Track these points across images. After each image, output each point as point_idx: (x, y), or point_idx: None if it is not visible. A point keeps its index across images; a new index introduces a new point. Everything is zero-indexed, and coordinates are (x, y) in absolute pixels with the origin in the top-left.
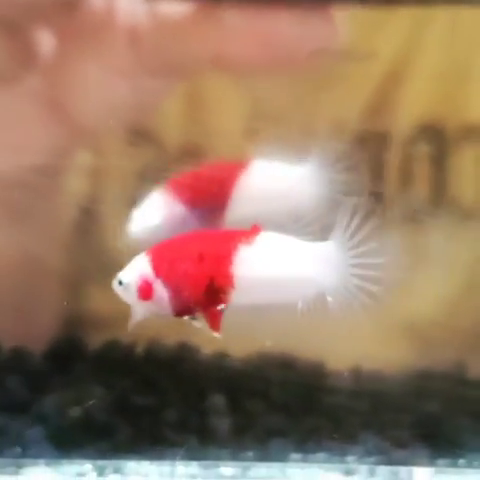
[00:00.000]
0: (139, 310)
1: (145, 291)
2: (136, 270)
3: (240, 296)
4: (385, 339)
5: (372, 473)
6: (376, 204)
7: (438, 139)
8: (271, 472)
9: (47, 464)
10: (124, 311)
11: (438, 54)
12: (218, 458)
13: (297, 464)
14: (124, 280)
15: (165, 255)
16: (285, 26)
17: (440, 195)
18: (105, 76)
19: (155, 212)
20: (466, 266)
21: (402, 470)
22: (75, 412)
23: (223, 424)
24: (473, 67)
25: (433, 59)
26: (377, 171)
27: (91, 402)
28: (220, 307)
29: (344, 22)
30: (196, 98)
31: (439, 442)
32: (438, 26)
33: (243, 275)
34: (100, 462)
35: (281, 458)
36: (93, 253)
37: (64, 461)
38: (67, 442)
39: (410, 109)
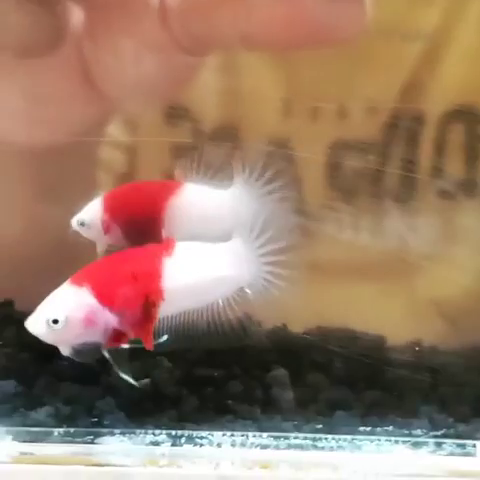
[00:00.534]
0: None
1: (90, 320)
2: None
3: (168, 307)
4: (445, 313)
5: (438, 446)
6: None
7: (473, 119)
8: (340, 443)
9: (122, 433)
10: None
11: (477, 34)
12: (285, 430)
13: (365, 436)
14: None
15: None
16: (313, 4)
17: (474, 175)
18: (137, 50)
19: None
20: None
21: (468, 443)
22: (144, 383)
23: (287, 397)
24: None
25: (472, 39)
26: (412, 151)
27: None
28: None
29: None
30: (233, 76)
31: None
32: (477, 5)
33: (171, 287)
34: (174, 432)
35: (347, 431)
36: None
37: (139, 431)
38: (138, 412)
39: (446, 89)
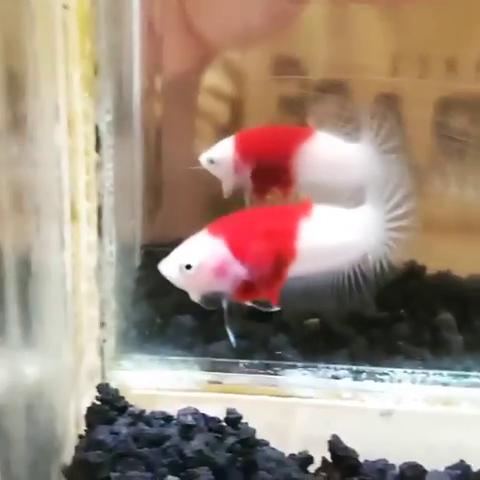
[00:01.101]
0: None
1: (221, 270)
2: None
3: (298, 267)
4: None
5: None
6: None
7: None
8: None
9: (304, 367)
10: None
11: None
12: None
13: None
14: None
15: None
16: None
17: None
18: None
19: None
20: None
21: None
22: (312, 323)
23: (455, 340)
24: None
25: None
26: None
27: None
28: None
29: None
30: (342, 31)
31: None
32: None
33: (304, 248)
34: (355, 367)
35: None
36: None
37: (321, 365)
38: (309, 349)
39: None
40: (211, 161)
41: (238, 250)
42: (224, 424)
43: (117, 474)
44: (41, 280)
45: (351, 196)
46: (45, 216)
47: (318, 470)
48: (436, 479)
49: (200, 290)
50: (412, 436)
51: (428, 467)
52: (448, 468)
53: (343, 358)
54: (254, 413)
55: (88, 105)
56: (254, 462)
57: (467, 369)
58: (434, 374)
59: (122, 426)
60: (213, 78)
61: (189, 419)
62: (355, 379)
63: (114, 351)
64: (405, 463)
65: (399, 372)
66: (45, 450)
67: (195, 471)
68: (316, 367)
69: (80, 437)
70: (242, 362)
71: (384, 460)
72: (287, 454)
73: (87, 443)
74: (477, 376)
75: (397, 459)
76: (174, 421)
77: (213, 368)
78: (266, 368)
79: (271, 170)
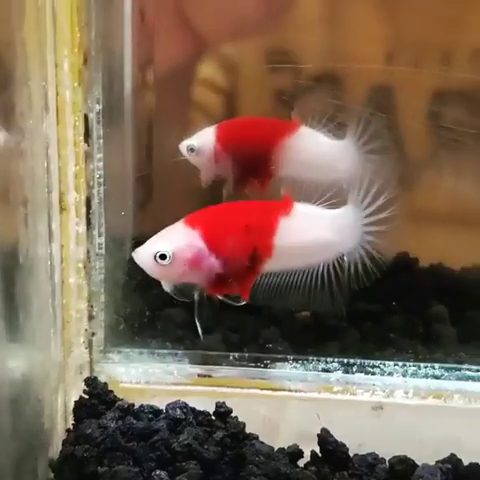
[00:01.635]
0: None
1: (196, 262)
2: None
3: (273, 264)
4: None
5: None
6: None
7: None
8: None
9: (295, 360)
10: None
11: None
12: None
13: None
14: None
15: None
16: None
17: None
18: None
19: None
20: None
21: None
22: (303, 316)
23: (448, 332)
24: None
25: None
26: None
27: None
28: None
29: None
30: (336, 21)
31: None
32: None
33: (281, 246)
34: (346, 360)
35: None
36: None
37: (312, 358)
38: (301, 342)
39: None
40: (191, 149)
41: (214, 243)
42: (213, 418)
43: (104, 469)
44: (28, 272)
45: (333, 195)
46: (33, 207)
47: (307, 464)
48: (426, 473)
49: (173, 281)
50: (403, 429)
51: (419, 460)
52: (439, 462)
53: (334, 351)
54: (244, 406)
55: (77, 95)
56: (243, 456)
57: (459, 362)
58: (426, 367)
59: (110, 420)
60: (206, 69)
61: (178, 413)
62: (346, 372)
63: (103, 344)
64: (395, 457)
65: (390, 365)
66: (32, 444)
67: (183, 465)
68: (307, 360)
69: (68, 431)
70: (232, 355)
71: (374, 454)
72: (277, 448)
73: (75, 437)
74: (469, 369)
75: (388, 453)
76: (163, 415)
77: (203, 361)
78: (256, 361)
79: (252, 162)
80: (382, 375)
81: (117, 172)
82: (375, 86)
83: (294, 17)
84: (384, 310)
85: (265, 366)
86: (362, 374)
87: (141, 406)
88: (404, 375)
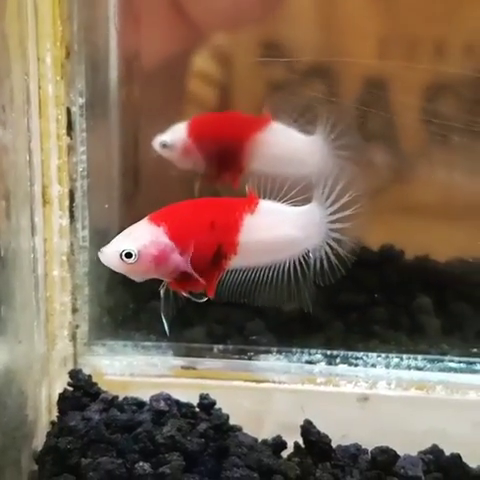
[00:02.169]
0: None
1: (161, 259)
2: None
3: (238, 261)
4: None
5: None
6: None
7: None
8: None
9: (279, 352)
10: None
11: None
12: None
13: None
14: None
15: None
16: None
17: None
18: None
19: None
20: None
21: None
22: (289, 307)
23: (432, 324)
24: None
25: None
26: None
27: None
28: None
29: None
30: (330, 16)
31: None
32: None
33: (245, 243)
34: (329, 351)
35: None
36: None
37: (295, 350)
38: (286, 334)
39: None
40: (164, 145)
41: (179, 240)
42: (197, 410)
43: (88, 460)
44: (11, 265)
45: (302, 190)
46: (15, 200)
47: (291, 455)
48: (408, 463)
49: (140, 277)
50: (387, 421)
51: (402, 451)
52: (421, 452)
53: (318, 343)
54: (228, 398)
55: (60, 88)
56: (226, 448)
57: (442, 353)
58: (408, 358)
59: (94, 412)
60: (198, 61)
61: (161, 405)
62: (329, 364)
63: (87, 337)
64: (377, 448)
65: (373, 356)
66: (15, 436)
67: (166, 457)
68: (290, 352)
69: (52, 423)
70: (216, 347)
71: (356, 445)
72: (261, 440)
73: (59, 429)
74: (452, 360)
75: (372, 444)
76: (147, 407)
77: (187, 353)
78: (240, 353)
79: (223, 157)
80: (365, 366)
81: (102, 165)
82: (368, 80)
83: (288, 10)
84: (369, 302)
85: (249, 358)
86: (345, 365)
87: (125, 398)
88: (387, 366)
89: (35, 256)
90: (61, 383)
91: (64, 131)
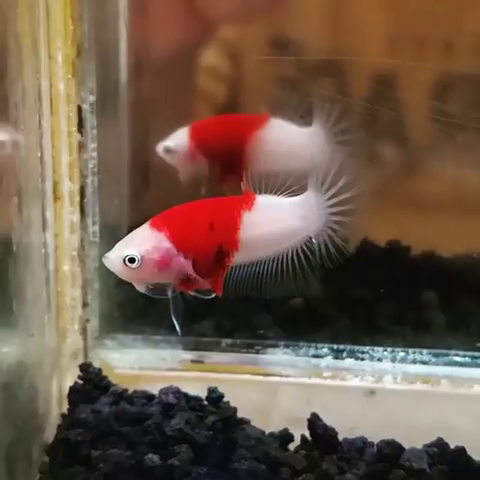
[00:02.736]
0: None
1: (164, 264)
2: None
3: (242, 256)
4: None
5: None
6: None
7: None
8: None
9: (286, 346)
10: None
11: None
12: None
13: None
14: None
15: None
16: None
17: None
18: None
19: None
20: None
21: None
22: (296, 302)
23: (438, 319)
24: None
25: None
26: None
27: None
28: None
29: None
30: (340, 13)
31: None
32: None
33: (246, 239)
34: (336, 346)
35: None
36: None
37: (302, 344)
38: (293, 328)
39: None
40: (167, 150)
41: (181, 243)
42: (205, 403)
43: (97, 452)
44: (23, 260)
45: (301, 181)
46: (27, 197)
47: (298, 448)
48: (413, 456)
49: (144, 282)
50: (392, 414)
51: (408, 444)
52: (426, 445)
53: (325, 337)
54: (236, 392)
55: (71, 86)
56: (234, 440)
57: (447, 348)
58: (414, 353)
59: (104, 405)
60: (208, 56)
61: (170, 398)
62: (336, 358)
63: (97, 331)
64: (382, 441)
65: (379, 350)
66: (26, 429)
67: (175, 449)
68: (297, 346)
69: (62, 416)
70: (224, 341)
71: (363, 438)
72: (268, 432)
73: (69, 422)
74: (457, 354)
75: (378, 437)
76: (156, 400)
77: (196, 347)
78: (248, 347)
79: (226, 159)
80: (371, 361)
81: (112, 161)
82: (378, 77)
83: (296, 6)
84: (375, 297)
85: (256, 352)
86: (352, 360)
87: (134, 391)
88: (393, 361)
89: (46, 251)
90: (71, 376)
91: (75, 128)
